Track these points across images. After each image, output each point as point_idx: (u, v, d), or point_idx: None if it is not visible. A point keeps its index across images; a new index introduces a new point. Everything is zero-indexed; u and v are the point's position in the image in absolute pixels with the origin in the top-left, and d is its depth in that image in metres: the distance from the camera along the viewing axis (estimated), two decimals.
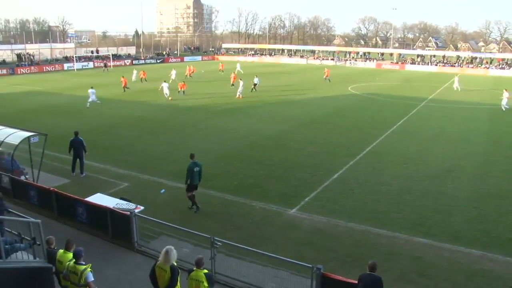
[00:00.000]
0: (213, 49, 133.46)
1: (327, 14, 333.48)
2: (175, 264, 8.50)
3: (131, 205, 13.43)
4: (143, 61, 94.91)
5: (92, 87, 36.55)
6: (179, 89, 43.37)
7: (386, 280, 8.78)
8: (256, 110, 35.65)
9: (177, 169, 19.46)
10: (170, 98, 39.48)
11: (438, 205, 16.32)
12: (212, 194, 16.74)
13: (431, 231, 14.11)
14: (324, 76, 59.05)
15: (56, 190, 14.67)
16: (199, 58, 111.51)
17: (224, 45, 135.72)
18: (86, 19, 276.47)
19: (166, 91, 40.27)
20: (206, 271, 8.45)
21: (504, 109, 36.46)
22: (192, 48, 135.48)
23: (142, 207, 13.41)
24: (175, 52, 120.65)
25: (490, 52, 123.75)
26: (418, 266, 11.96)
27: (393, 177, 19.40)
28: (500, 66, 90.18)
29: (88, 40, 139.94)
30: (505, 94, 36.92)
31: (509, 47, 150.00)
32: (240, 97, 41.04)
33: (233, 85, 47.35)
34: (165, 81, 42.05)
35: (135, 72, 55.93)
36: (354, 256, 12.25)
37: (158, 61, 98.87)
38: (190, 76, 59.32)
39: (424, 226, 14.46)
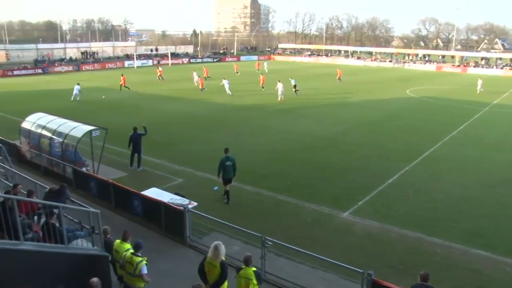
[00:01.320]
0: (269, 49, 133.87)
1: (386, 15, 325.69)
2: (225, 260, 8.58)
3: (185, 201, 13.71)
4: (200, 60, 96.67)
5: (78, 83, 39.58)
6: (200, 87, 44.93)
7: None
8: (308, 111, 35.45)
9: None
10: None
11: (498, 216, 15.59)
12: (265, 193, 16.81)
13: (491, 243, 13.48)
14: (337, 77, 58.11)
15: (114, 182, 15.23)
16: (255, 57, 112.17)
17: (280, 45, 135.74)
18: (147, 18, 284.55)
19: (227, 87, 42.20)
20: (254, 268, 8.49)
21: None
22: (249, 47, 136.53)
23: (195, 203, 13.67)
24: (232, 51, 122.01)
25: None
26: (476, 279, 11.49)
27: (451, 184, 18.71)
28: None
29: (149, 38, 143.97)
30: None
31: None
32: (282, 99, 39.70)
33: (263, 87, 46.52)
34: (224, 78, 43.51)
35: (194, 74, 52.39)
36: (407, 264, 11.92)
37: (215, 60, 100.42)
38: (208, 77, 56.82)
39: (483, 238, 13.85)
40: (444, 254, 12.76)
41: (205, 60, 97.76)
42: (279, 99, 39.64)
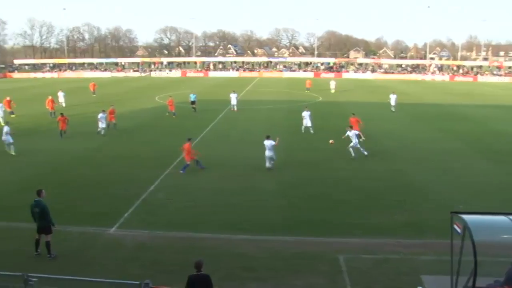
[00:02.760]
0: (3, 66, 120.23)
1: (128, 25, 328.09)
2: None
3: None
4: None
5: None
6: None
7: (214, 280, 9.10)
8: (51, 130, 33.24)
9: None
10: None
11: (249, 200, 17.47)
12: (19, 226, 15.07)
13: (247, 226, 14.98)
14: (307, 86, 62.03)
15: None
16: None
17: (16, 61, 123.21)
18: None
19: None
20: None
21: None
22: None
23: None
24: None
25: (282, 57, 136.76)
26: (243, 261, 12.59)
27: (207, 180, 20.14)
28: (292, 68, 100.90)
29: None
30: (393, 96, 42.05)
31: (297, 52, 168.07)
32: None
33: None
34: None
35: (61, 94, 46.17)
36: (181, 264, 12.17)
37: None
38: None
39: (241, 223, 15.29)
40: (212, 246, 13.60)
41: None
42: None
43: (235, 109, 41.61)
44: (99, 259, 12.87)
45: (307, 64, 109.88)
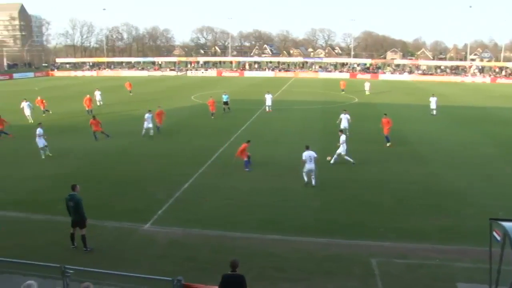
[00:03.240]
0: (46, 65, 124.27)
1: (166, 24, 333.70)
2: None
3: None
4: None
5: None
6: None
7: (246, 279, 9.06)
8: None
9: (12, 198, 18.02)
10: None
11: (284, 201, 17.45)
12: (58, 220, 15.58)
13: (281, 226, 14.99)
14: (341, 87, 60.90)
15: None
16: (31, 74, 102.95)
17: (58, 60, 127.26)
18: None
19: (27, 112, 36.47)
20: None
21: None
22: (20, 63, 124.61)
23: None
24: (4, 68, 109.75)
25: (318, 57, 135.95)
26: (274, 262, 12.57)
27: (241, 180, 20.22)
28: (327, 69, 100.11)
29: None
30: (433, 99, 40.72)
31: (333, 52, 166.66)
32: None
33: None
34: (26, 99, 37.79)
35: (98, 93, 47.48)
36: (213, 262, 12.34)
37: None
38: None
39: (275, 223, 15.31)
40: (244, 245, 13.63)
41: None
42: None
43: (270, 109, 41.61)
44: (133, 255, 13.14)
45: (343, 65, 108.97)
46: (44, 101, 40.76)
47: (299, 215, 16.08)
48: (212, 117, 37.96)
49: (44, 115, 38.53)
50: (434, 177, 20.83)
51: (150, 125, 29.96)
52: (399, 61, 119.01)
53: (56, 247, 13.48)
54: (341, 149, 22.70)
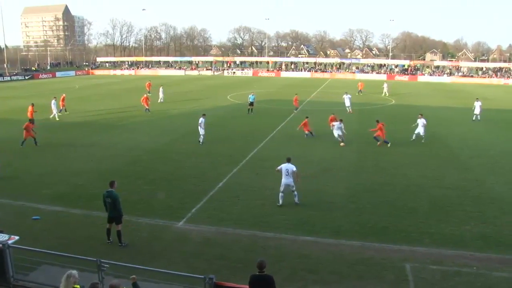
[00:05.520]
0: (87, 63, 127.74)
1: (203, 24, 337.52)
2: (77, 287, 8.28)
3: (4, 236, 12.35)
4: (8, 78, 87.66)
5: None
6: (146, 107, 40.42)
7: (277, 280, 9.05)
8: (133, 124, 35.02)
9: (52, 192, 18.56)
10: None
11: (319, 202, 17.34)
12: (96, 215, 15.98)
13: (315, 228, 14.91)
14: (359, 89, 59.30)
15: None
16: (72, 73, 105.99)
17: (99, 59, 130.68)
18: None
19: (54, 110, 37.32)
20: None
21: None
22: (63, 62, 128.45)
23: (16, 237, 12.39)
24: (48, 67, 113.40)
25: (356, 58, 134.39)
26: (306, 263, 12.51)
27: (276, 181, 20.14)
28: (365, 70, 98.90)
29: None
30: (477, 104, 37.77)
31: (371, 53, 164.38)
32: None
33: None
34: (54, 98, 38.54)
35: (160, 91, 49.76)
36: (245, 262, 12.36)
37: (26, 77, 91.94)
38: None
39: (308, 224, 15.23)
40: (277, 246, 13.64)
41: (14, 78, 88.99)
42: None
43: (351, 110, 41.04)
44: (166, 251, 13.34)
45: (380, 66, 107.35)
46: (64, 99, 40.82)
47: (333, 217, 15.95)
48: (295, 111, 39.36)
49: (66, 113, 39.55)
50: (474, 183, 20.22)
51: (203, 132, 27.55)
52: (438, 62, 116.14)
53: (92, 241, 13.86)
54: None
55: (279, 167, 16.95)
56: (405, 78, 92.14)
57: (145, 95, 41.23)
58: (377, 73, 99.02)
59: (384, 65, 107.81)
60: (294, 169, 16.74)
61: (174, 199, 17.86)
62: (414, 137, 28.39)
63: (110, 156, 24.72)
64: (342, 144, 26.60)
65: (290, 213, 16.32)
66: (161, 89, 50.04)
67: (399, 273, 11.95)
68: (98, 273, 9.99)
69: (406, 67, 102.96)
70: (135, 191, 18.52)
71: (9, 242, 11.61)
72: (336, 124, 27.58)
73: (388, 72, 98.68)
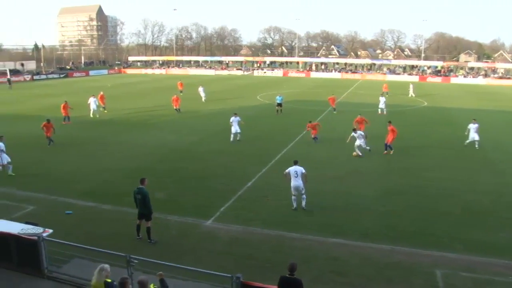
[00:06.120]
0: (119, 62, 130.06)
1: (234, 24, 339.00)
2: (109, 281, 8.48)
3: (38, 229, 12.69)
4: (44, 76, 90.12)
5: None
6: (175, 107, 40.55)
7: (305, 282, 9.01)
8: (162, 123, 35.45)
9: (84, 187, 19.01)
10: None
11: (347, 204, 17.20)
12: (126, 211, 16.26)
13: (343, 230, 14.79)
14: (384, 90, 54.92)
15: None
16: (105, 72, 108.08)
17: (130, 58, 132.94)
18: None
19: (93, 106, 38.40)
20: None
21: None
22: (96, 61, 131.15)
23: (50, 230, 12.72)
24: (81, 66, 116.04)
25: (387, 59, 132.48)
26: (334, 265, 12.44)
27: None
28: (396, 71, 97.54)
29: None
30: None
31: (403, 54, 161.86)
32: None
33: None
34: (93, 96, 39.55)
35: (201, 89, 50.84)
36: (272, 262, 12.43)
37: (61, 75, 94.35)
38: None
39: (336, 226, 15.11)
40: (304, 247, 13.60)
41: (50, 76, 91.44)
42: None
43: (384, 112, 40.43)
44: (194, 249, 13.45)
45: (412, 67, 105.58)
46: (104, 97, 41.76)
47: (362, 220, 15.77)
48: (335, 112, 39.57)
49: (105, 111, 40.26)
50: (509, 188, 19.64)
51: (239, 130, 28.36)
52: (473, 63, 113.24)
53: (122, 236, 14.11)
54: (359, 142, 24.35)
55: (286, 171, 16.61)
56: (437, 79, 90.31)
57: (175, 96, 41.31)
58: (408, 74, 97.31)
59: (416, 66, 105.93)
60: (304, 171, 16.42)
61: (203, 197, 18.00)
62: (467, 144, 26.94)
63: (139, 154, 25.10)
64: (355, 154, 24.62)
65: (318, 215, 16.24)
66: (201, 88, 50.73)
67: (429, 279, 11.73)
68: (127, 268, 10.17)
69: (439, 68, 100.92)
70: (164, 189, 18.74)
71: (44, 235, 11.95)
72: (359, 132, 25.01)
73: (420, 74, 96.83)
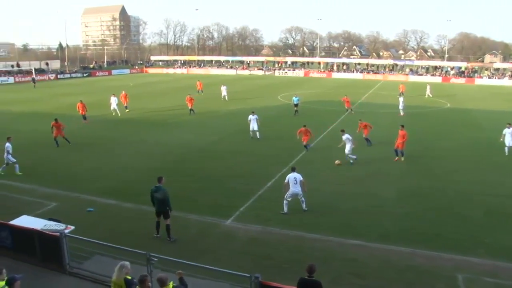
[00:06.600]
0: (141, 62, 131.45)
1: (255, 24, 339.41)
2: (129, 278, 8.59)
3: (61, 226, 12.91)
4: (68, 75, 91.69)
5: None
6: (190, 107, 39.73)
7: (323, 282, 8.97)
8: (181, 122, 35.69)
9: (105, 185, 19.27)
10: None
11: (367, 206, 17.06)
12: (146, 209, 16.40)
13: (363, 232, 14.67)
14: (400, 91, 54.70)
15: None
16: (127, 71, 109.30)
17: (152, 57, 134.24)
18: (4, 31, 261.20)
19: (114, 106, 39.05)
20: None
21: None
22: (118, 61, 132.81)
23: (72, 227, 12.93)
24: (104, 65, 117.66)
25: (409, 60, 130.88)
26: (352, 267, 12.37)
27: (324, 182, 20.01)
28: (418, 72, 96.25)
29: (7, 53, 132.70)
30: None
31: (426, 55, 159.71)
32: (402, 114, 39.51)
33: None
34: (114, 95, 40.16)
35: (224, 88, 51.33)
36: (291, 262, 12.41)
37: (84, 75, 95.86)
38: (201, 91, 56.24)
39: (356, 228, 15.00)
40: (323, 248, 13.54)
41: (73, 75, 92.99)
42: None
43: (402, 113, 39.77)
44: (213, 249, 13.51)
45: (435, 68, 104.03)
46: (127, 96, 41.99)
47: (382, 222, 15.62)
48: (352, 113, 39.00)
49: (127, 110, 40.66)
50: None
51: (256, 128, 28.81)
52: (499, 64, 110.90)
53: (141, 234, 14.27)
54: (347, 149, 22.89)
55: (286, 180, 16.32)
56: (461, 80, 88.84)
57: (188, 96, 40.59)
58: (431, 75, 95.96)
59: (439, 67, 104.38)
60: (302, 178, 16.24)
61: (223, 197, 18.07)
62: (507, 151, 25.19)
63: (160, 153, 25.33)
64: (338, 162, 22.84)
65: (337, 216, 16.16)
66: (224, 87, 51.03)
67: (451, 283, 11.56)
68: (147, 266, 10.26)
69: (462, 69, 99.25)
70: (184, 188, 18.86)
71: (66, 231, 12.16)
72: (347, 136, 23.23)
73: (444, 75, 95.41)
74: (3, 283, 8.35)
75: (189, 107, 39.63)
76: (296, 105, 39.83)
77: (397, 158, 23.78)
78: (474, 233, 14.69)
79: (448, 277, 11.83)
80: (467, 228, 15.09)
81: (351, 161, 23.04)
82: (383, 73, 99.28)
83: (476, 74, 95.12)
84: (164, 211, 13.91)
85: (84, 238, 11.60)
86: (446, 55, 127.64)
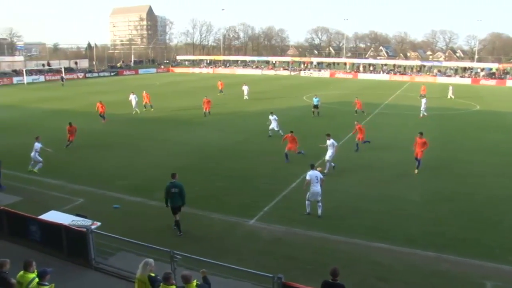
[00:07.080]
0: (167, 61, 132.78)
1: (281, 24, 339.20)
2: (153, 275, 8.68)
3: (87, 221, 13.13)
4: (96, 74, 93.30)
5: None
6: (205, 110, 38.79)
7: (347, 285, 8.89)
8: (208, 121, 35.87)
9: (131, 183, 19.56)
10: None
11: (393, 209, 16.84)
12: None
13: (389, 235, 14.48)
14: (421, 93, 53.22)
15: (6, 208, 14.12)
16: (153, 70, 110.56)
17: (178, 57, 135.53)
18: (36, 31, 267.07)
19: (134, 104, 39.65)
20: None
21: None
22: (145, 60, 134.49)
23: (98, 223, 13.14)
24: (131, 64, 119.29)
25: (437, 61, 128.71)
26: (377, 270, 12.22)
27: (350, 184, 19.83)
28: (447, 73, 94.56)
29: (39, 52, 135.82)
30: None
31: (455, 56, 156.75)
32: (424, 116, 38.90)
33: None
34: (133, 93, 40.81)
35: (245, 88, 51.90)
36: (314, 264, 12.35)
37: (112, 74, 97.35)
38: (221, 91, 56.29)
39: (382, 231, 14.82)
40: (347, 250, 13.42)
41: (101, 74, 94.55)
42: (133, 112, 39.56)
43: (421, 115, 39.24)
44: (237, 248, 13.54)
45: (464, 69, 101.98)
46: (148, 95, 42.15)
47: (408, 225, 15.39)
48: (361, 112, 38.86)
49: (145, 109, 40.91)
50: None
51: (276, 128, 29.36)
52: None
53: (166, 233, 14.42)
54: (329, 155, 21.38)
55: (307, 177, 15.95)
56: (491, 82, 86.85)
57: (205, 98, 39.21)
58: (460, 76, 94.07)
59: (469, 68, 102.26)
60: (322, 176, 16.13)
61: (247, 196, 18.10)
62: None
63: (184, 152, 25.51)
64: (320, 169, 17.69)
65: (362, 218, 15.98)
66: (246, 87, 51.48)
67: None
68: (171, 264, 10.34)
69: (493, 70, 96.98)
70: (209, 187, 18.99)
71: (92, 227, 12.36)
72: (332, 141, 21.62)
73: (473, 76, 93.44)
74: (33, 275, 8.55)
75: (204, 110, 38.40)
76: (316, 106, 39.55)
77: (416, 171, 21.85)
78: (504, 239, 14.32)
79: (476, 283, 11.57)
80: (497, 234, 14.73)
81: (325, 171, 20.74)
82: (410, 74, 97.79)
83: (507, 76, 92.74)
84: (181, 205, 14.15)
85: (110, 234, 11.77)
86: (476, 56, 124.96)
